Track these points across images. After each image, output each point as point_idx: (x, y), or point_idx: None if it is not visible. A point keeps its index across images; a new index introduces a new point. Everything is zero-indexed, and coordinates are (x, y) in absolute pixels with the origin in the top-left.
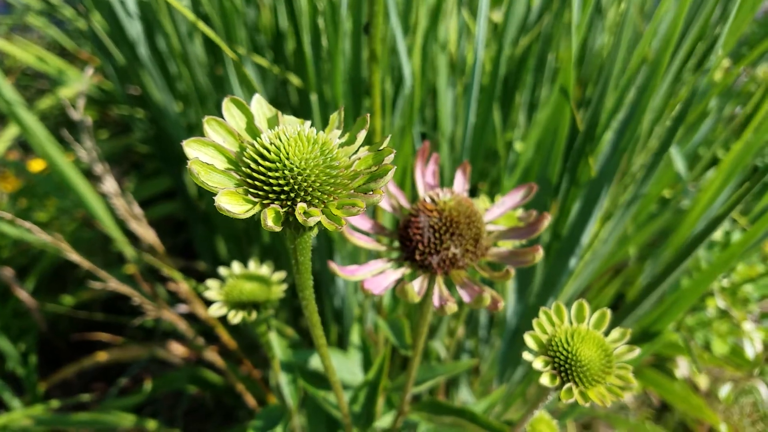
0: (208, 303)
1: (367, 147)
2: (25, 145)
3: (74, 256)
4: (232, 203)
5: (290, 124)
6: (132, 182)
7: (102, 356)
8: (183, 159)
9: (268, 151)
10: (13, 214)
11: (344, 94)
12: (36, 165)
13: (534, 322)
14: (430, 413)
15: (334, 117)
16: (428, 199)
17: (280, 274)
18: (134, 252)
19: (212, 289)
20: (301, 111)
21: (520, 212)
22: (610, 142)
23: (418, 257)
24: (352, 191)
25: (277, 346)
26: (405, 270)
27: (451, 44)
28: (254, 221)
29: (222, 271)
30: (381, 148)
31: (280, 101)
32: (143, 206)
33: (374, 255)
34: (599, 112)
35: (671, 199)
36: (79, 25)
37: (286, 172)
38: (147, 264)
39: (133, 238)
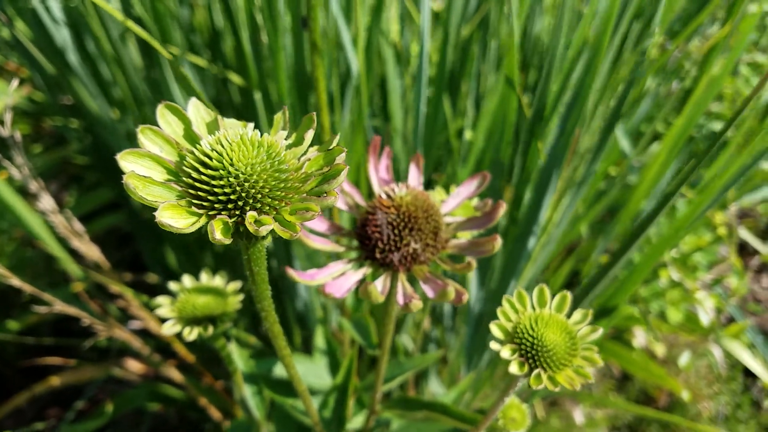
0: (162, 319)
1: (316, 147)
2: None
3: (15, 281)
4: (175, 217)
5: (232, 127)
6: (72, 196)
7: (55, 381)
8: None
9: (210, 158)
10: None
11: (289, 91)
12: None
13: (498, 310)
14: (402, 410)
15: (279, 117)
16: (384, 195)
17: (236, 285)
18: (79, 270)
19: (163, 305)
20: (245, 111)
21: (475, 201)
22: (557, 125)
23: (378, 255)
24: (305, 195)
25: (239, 358)
26: (366, 270)
27: (394, 34)
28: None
29: (172, 286)
30: (331, 147)
31: (221, 102)
32: (86, 220)
33: (333, 256)
34: (545, 97)
35: (617, 176)
36: (2, 34)
37: (231, 179)
38: (94, 282)
39: (77, 256)
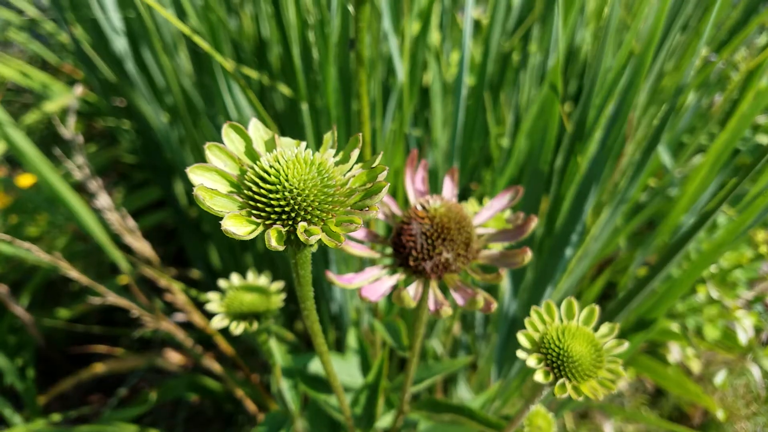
0: (206, 313)
1: (360, 164)
2: (11, 160)
3: (74, 273)
4: (237, 225)
5: (287, 146)
6: (121, 193)
7: (99, 368)
8: (172, 169)
9: (268, 173)
10: (3, 230)
11: (335, 103)
12: (24, 180)
13: (526, 321)
14: (430, 411)
15: (328, 137)
16: (419, 207)
17: (279, 284)
18: (128, 264)
19: (213, 301)
20: (288, 118)
21: (507, 214)
22: (599, 139)
23: (412, 263)
24: (349, 208)
25: (278, 353)
26: (400, 276)
27: (435, 42)
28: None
29: (221, 283)
30: (374, 165)
31: (264, 107)
32: (134, 216)
33: (369, 262)
34: (587, 109)
35: (657, 189)
36: (60, 39)
37: (286, 193)
38: (140, 274)
39: (126, 249)
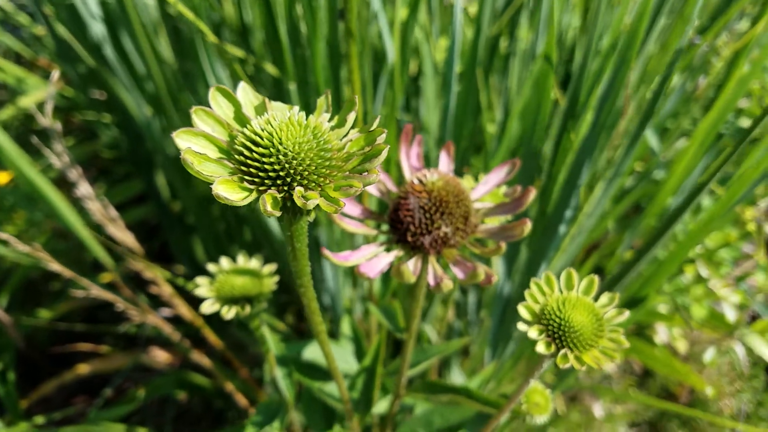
0: (195, 302)
1: (357, 129)
2: None
3: (55, 266)
4: (229, 191)
5: (279, 110)
6: (101, 188)
7: (83, 368)
8: (153, 161)
9: (261, 137)
10: None
11: (325, 81)
12: (1, 178)
13: (526, 293)
14: (427, 393)
15: (322, 101)
16: (416, 181)
17: (271, 267)
18: (111, 259)
19: (202, 285)
20: (277, 99)
21: (504, 189)
22: (591, 119)
23: (410, 239)
24: (347, 173)
25: (271, 341)
26: (397, 252)
27: (425, 23)
28: (234, 221)
29: (211, 267)
30: (372, 128)
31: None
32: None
33: (364, 240)
34: (580, 88)
35: (644, 172)
36: (35, 31)
37: (281, 157)
38: (124, 271)
39: (110, 245)
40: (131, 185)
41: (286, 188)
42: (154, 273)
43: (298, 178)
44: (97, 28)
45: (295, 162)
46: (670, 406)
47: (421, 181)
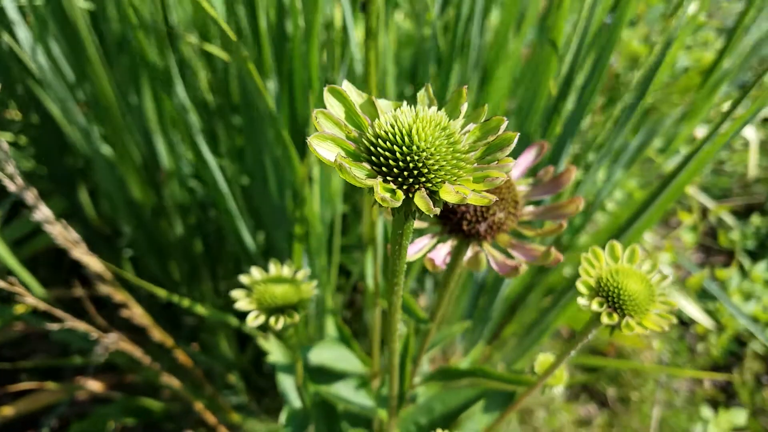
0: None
1: (462, 121)
2: None
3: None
4: (386, 195)
5: (387, 108)
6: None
7: (7, 411)
8: (75, 177)
9: (392, 134)
10: None
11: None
12: None
13: (580, 269)
14: (443, 380)
15: (423, 94)
16: None
17: (304, 271)
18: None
19: (240, 299)
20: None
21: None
22: (574, 99)
23: (465, 227)
24: (475, 164)
25: (276, 348)
26: (452, 242)
27: None
28: (186, 233)
29: (243, 279)
30: (485, 119)
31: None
32: (32, 236)
33: (416, 233)
34: (574, 71)
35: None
36: None
37: (421, 154)
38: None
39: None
40: (51, 204)
41: (411, 182)
42: (124, 295)
43: (431, 176)
44: (22, 34)
45: (429, 159)
46: (604, 361)
47: None
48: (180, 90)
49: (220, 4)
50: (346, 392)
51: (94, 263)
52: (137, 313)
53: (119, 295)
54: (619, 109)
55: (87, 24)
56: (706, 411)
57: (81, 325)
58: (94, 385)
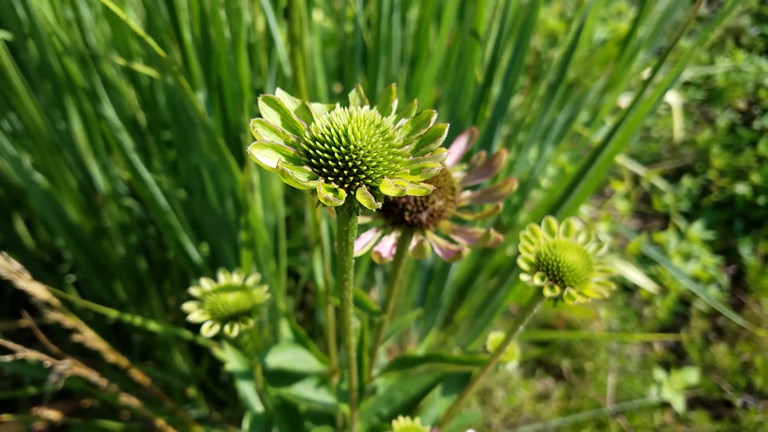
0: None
1: (395, 117)
2: None
3: None
4: (328, 195)
5: (321, 111)
6: None
7: None
8: (15, 206)
9: (330, 135)
10: None
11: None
12: None
13: (519, 246)
14: (402, 369)
15: (354, 94)
16: None
17: (255, 277)
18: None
19: (192, 311)
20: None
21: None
22: (503, 77)
23: (408, 218)
24: (410, 158)
25: (232, 356)
26: (396, 233)
27: None
28: (129, 252)
29: (194, 291)
30: (416, 113)
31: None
32: None
33: (363, 228)
34: (497, 57)
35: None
36: None
37: (358, 152)
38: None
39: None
40: None
41: (351, 180)
42: (74, 320)
43: (370, 172)
44: None
45: (366, 156)
46: (555, 334)
47: None
48: (108, 110)
49: (136, 23)
50: (306, 392)
51: (40, 291)
52: (89, 337)
53: (69, 321)
54: (544, 87)
55: (7, 53)
56: (659, 373)
57: (33, 354)
58: (52, 414)
